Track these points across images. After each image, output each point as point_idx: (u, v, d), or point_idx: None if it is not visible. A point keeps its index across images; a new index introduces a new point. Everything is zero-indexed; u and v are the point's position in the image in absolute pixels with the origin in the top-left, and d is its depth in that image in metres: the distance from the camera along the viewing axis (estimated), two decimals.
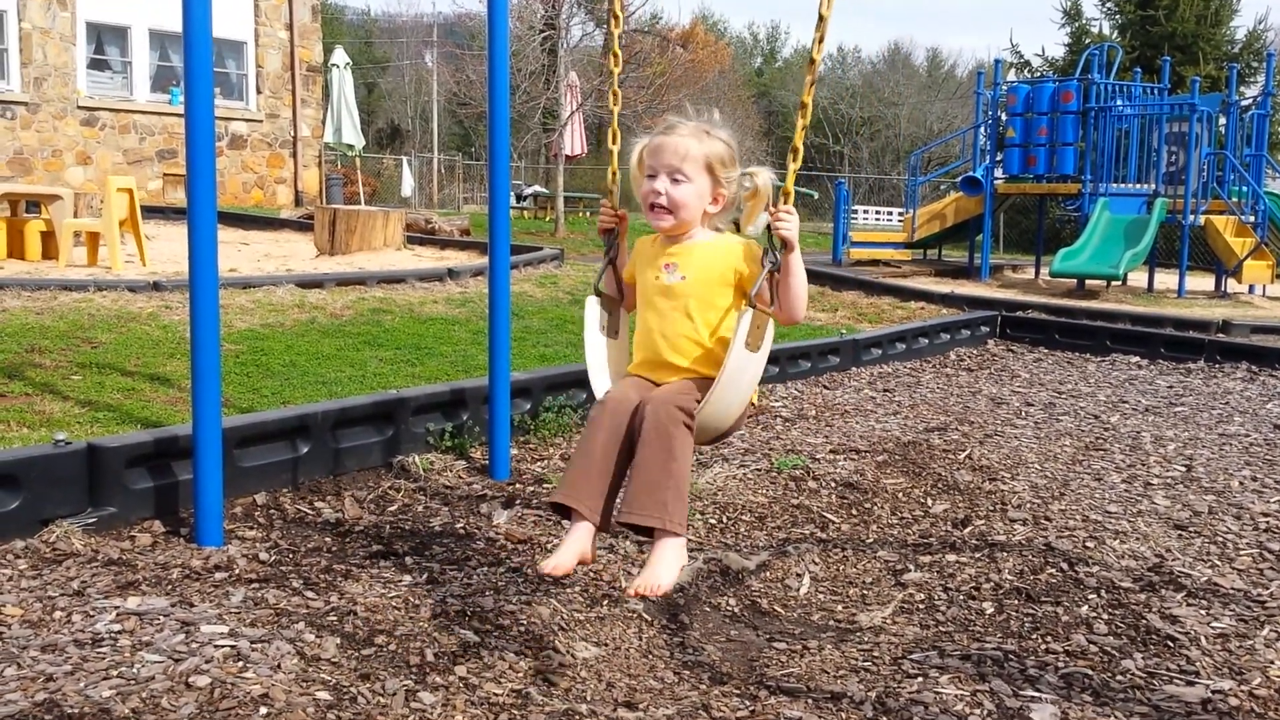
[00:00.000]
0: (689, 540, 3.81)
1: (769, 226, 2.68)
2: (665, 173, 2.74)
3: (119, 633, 2.71)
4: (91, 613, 2.84)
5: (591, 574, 3.44)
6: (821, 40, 2.69)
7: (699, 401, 2.67)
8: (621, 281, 3.03)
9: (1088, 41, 26.98)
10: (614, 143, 3.15)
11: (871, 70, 50.48)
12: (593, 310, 3.03)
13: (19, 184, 15.89)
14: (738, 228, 2.91)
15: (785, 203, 2.68)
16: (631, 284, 2.98)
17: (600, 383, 2.95)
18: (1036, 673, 2.82)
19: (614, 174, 3.11)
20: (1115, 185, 14.83)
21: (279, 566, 3.32)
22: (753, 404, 2.85)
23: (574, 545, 2.67)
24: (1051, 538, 3.92)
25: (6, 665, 2.50)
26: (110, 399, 4.99)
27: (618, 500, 2.72)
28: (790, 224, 2.65)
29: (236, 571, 3.24)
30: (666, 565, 2.63)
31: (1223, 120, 15.25)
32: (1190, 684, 2.77)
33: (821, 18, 2.67)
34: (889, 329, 8.30)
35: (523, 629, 2.98)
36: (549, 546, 3.64)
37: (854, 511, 4.23)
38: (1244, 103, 15.95)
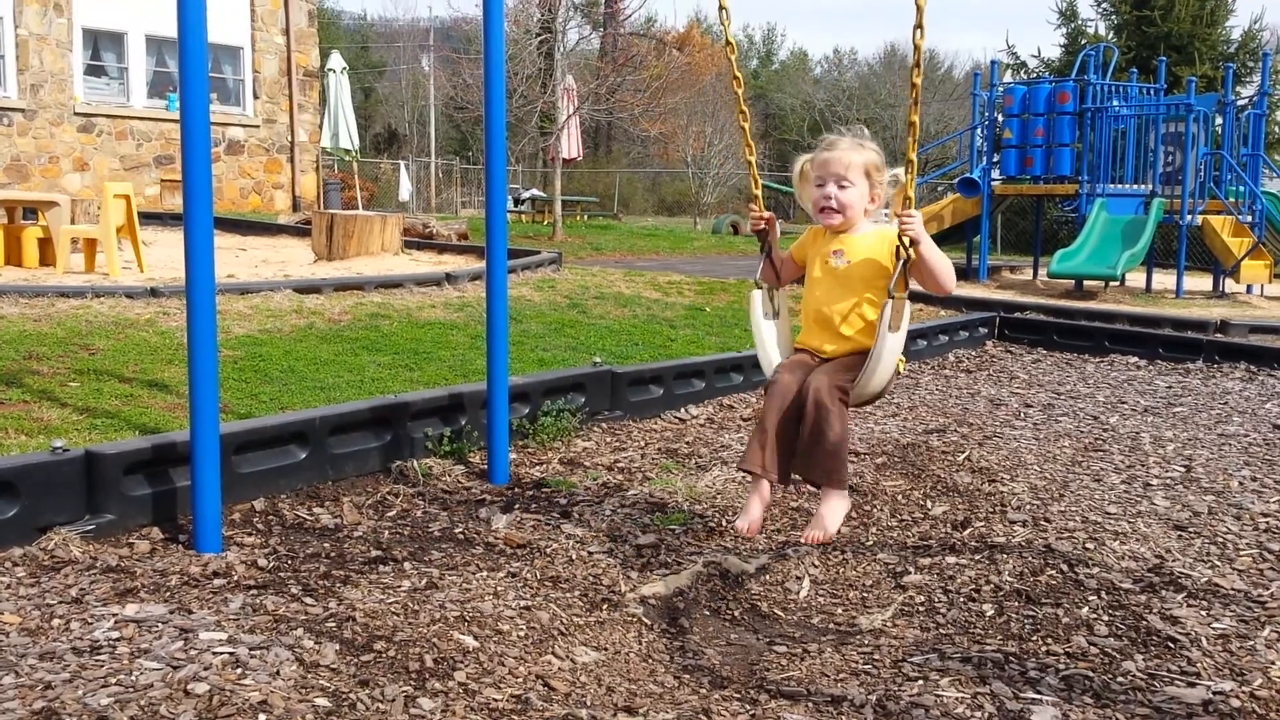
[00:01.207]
0: (689, 544, 3.81)
1: (900, 229, 3.20)
2: (833, 181, 3.32)
3: (117, 640, 2.71)
4: (90, 620, 2.83)
5: (591, 578, 3.43)
6: (919, 65, 3.17)
7: (852, 378, 3.24)
8: (776, 269, 3.57)
9: (1084, 42, 27.02)
10: (750, 154, 3.67)
11: (868, 72, 50.51)
12: (757, 300, 3.57)
13: (16, 191, 15.87)
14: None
15: (908, 208, 3.22)
16: (795, 264, 3.56)
17: (770, 360, 3.52)
18: (1037, 675, 2.82)
19: (755, 180, 3.66)
20: (1112, 186, 14.82)
21: (277, 573, 3.31)
22: (898, 372, 3.33)
23: (757, 502, 3.35)
24: (1051, 539, 3.91)
25: (5, 673, 2.49)
26: (108, 405, 4.99)
27: (793, 461, 3.30)
28: (914, 224, 3.21)
29: (235, 578, 3.24)
30: (832, 515, 3.25)
31: (1219, 120, 15.26)
32: (1191, 685, 2.77)
33: (916, 46, 3.15)
34: None
35: (522, 634, 2.98)
36: (548, 551, 3.63)
37: (853, 514, 4.22)
38: (1240, 102, 15.96)
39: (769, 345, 3.57)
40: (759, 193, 3.63)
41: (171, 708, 2.37)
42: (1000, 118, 15.86)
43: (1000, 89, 16.21)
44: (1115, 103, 15.11)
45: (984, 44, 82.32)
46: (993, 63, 17.11)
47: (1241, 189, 14.46)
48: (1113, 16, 28.98)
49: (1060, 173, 15.23)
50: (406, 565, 3.44)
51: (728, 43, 3.69)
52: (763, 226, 3.56)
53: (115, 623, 2.81)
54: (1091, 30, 29.43)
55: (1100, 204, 14.40)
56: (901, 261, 3.22)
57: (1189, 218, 13.81)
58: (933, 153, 31.36)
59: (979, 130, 16.37)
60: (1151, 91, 16.28)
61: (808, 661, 2.98)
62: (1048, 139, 15.12)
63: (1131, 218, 14.10)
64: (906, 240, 3.21)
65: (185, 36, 3.37)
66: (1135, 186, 14.78)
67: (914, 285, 3.33)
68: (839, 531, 3.45)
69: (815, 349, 3.42)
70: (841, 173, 3.32)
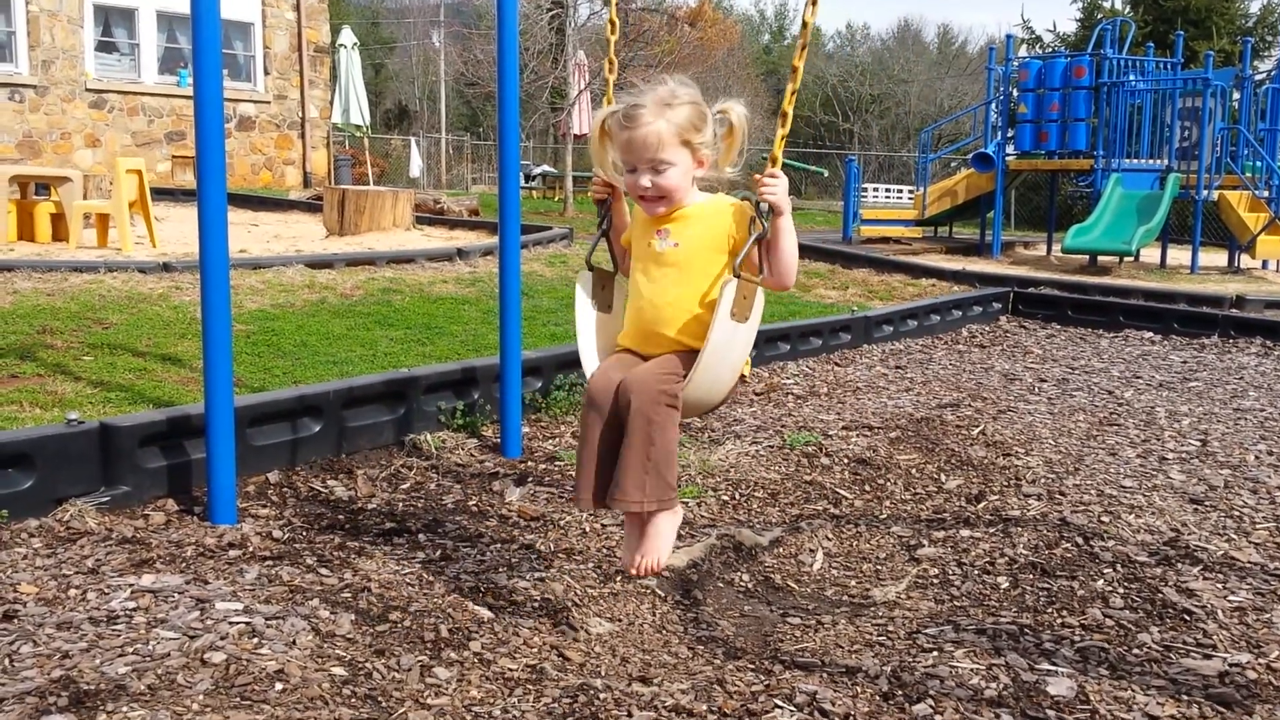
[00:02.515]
0: (702, 516, 3.81)
1: (756, 194, 2.61)
2: (645, 166, 2.66)
3: (134, 610, 2.72)
4: (106, 590, 2.84)
5: (605, 550, 3.43)
6: (814, 2, 2.70)
7: (682, 377, 2.63)
8: (616, 252, 2.98)
9: (1100, 16, 26.76)
10: (614, 122, 2.96)
11: (881, 47, 50.17)
12: (584, 284, 2.96)
13: (28, 166, 15.90)
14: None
15: (772, 167, 2.63)
16: (626, 252, 2.94)
17: (589, 360, 2.90)
18: (1052, 646, 2.81)
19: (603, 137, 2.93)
20: (1128, 161, 14.73)
21: (292, 544, 3.32)
22: (743, 377, 2.78)
23: (632, 532, 2.77)
24: (1066, 513, 3.90)
25: (23, 643, 2.50)
26: (122, 379, 5.00)
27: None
28: (777, 188, 2.59)
29: (250, 549, 3.25)
30: (664, 540, 2.70)
31: (1236, 95, 15.13)
32: (1207, 657, 2.76)
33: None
34: (900, 306, 8.26)
35: (537, 605, 2.98)
36: (562, 524, 3.64)
37: (867, 488, 4.22)
38: (1258, 77, 15.82)
39: (588, 342, 2.93)
40: (607, 156, 2.83)
41: (189, 676, 2.38)
42: (1015, 92, 15.75)
43: (1015, 63, 16.10)
44: (1131, 77, 15.00)
45: (999, 18, 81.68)
46: (1008, 37, 16.98)
47: (1258, 164, 14.35)
48: None
49: (1075, 148, 15.14)
50: (421, 537, 3.44)
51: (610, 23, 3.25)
52: (604, 196, 2.94)
53: (131, 593, 2.82)
54: (1108, 4, 29.16)
55: (1116, 179, 14.31)
56: (755, 235, 2.62)
57: (1205, 193, 13.71)
58: (947, 128, 31.17)
59: (994, 105, 16.27)
60: (1168, 66, 16.14)
61: (822, 633, 2.97)
62: (1063, 114, 15.03)
63: (1147, 193, 14.01)
64: (765, 207, 2.60)
65: (199, 12, 3.36)
66: (1151, 162, 14.68)
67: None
68: (667, 559, 2.77)
69: (638, 352, 2.78)
70: (653, 155, 2.64)
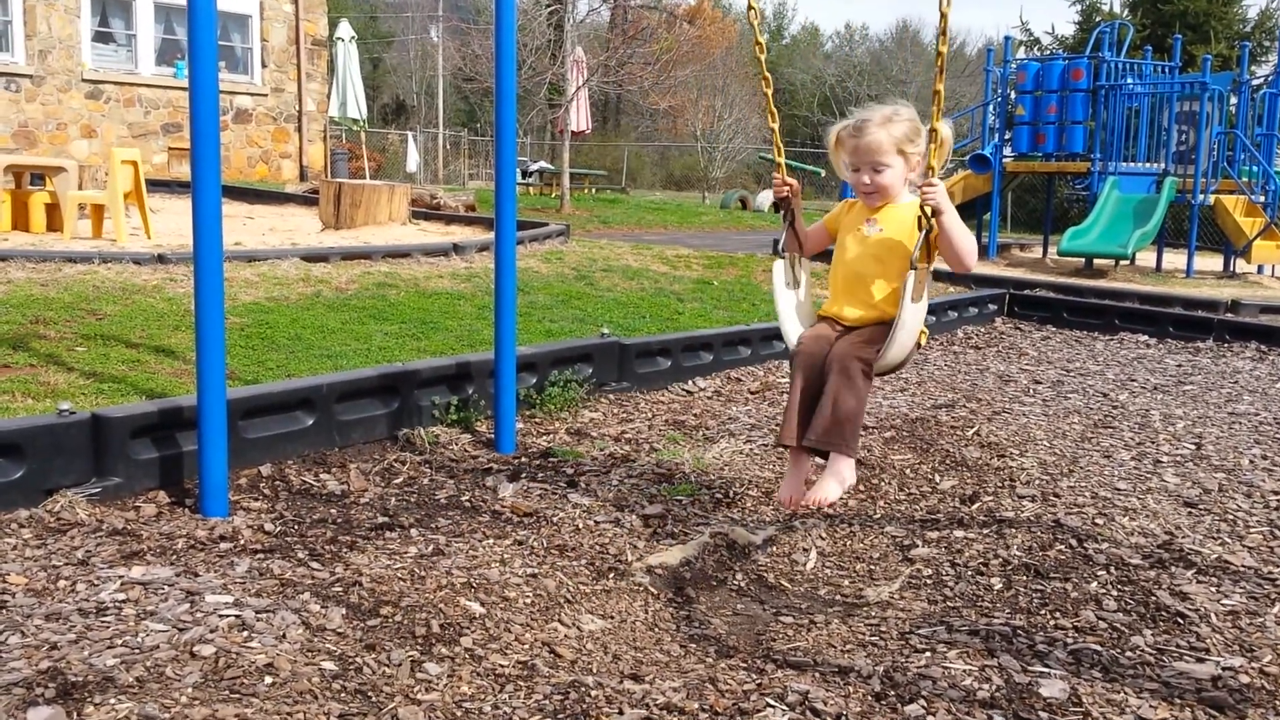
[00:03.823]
0: (696, 514, 3.80)
1: (921, 200, 3.12)
2: (867, 166, 3.28)
3: (123, 602, 2.70)
4: (96, 582, 2.83)
5: (598, 547, 3.42)
6: (945, 33, 3.10)
7: (875, 350, 3.20)
8: (800, 237, 3.54)
9: (1098, 19, 26.79)
10: (774, 121, 3.54)
11: (879, 48, 50.17)
12: (779, 270, 3.56)
13: (24, 156, 15.84)
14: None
15: (930, 177, 3.11)
16: (827, 233, 3.54)
17: (791, 330, 3.49)
18: (1045, 648, 2.81)
19: (779, 148, 3.54)
20: (1125, 164, 14.72)
21: (284, 537, 3.31)
22: (919, 344, 3.33)
23: (795, 474, 3.34)
24: (1060, 514, 3.90)
25: (10, 633, 2.49)
26: (115, 370, 4.98)
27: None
28: (935, 194, 3.09)
29: (241, 542, 3.23)
30: (837, 482, 3.20)
31: (1234, 99, 15.13)
32: (1200, 661, 2.75)
33: (943, 14, 3.08)
34: None
35: (529, 601, 2.97)
36: (555, 520, 3.62)
37: (861, 487, 4.21)
38: (1255, 82, 15.83)
39: (790, 316, 3.53)
40: (783, 161, 3.56)
41: (177, 669, 2.37)
42: (1013, 94, 15.75)
43: (1014, 65, 16.09)
44: (1129, 80, 15.00)
45: (997, 20, 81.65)
46: (1006, 38, 16.97)
47: (1255, 169, 14.36)
48: None
49: (1073, 150, 15.14)
50: (413, 532, 3.43)
51: (750, 7, 3.56)
52: (786, 194, 3.50)
53: (121, 585, 2.81)
54: (1107, 7, 29.20)
55: (1112, 182, 14.31)
56: (924, 232, 3.15)
57: (1201, 197, 13.72)
58: None
59: (991, 107, 16.26)
60: (1166, 69, 16.14)
61: (814, 632, 2.97)
62: (1061, 116, 15.02)
63: (1143, 196, 14.01)
64: (928, 210, 3.14)
65: (195, 3, 3.34)
66: (1148, 165, 14.68)
67: (939, 263, 3.28)
68: (840, 501, 3.41)
69: (838, 316, 3.39)
70: (876, 158, 3.27)
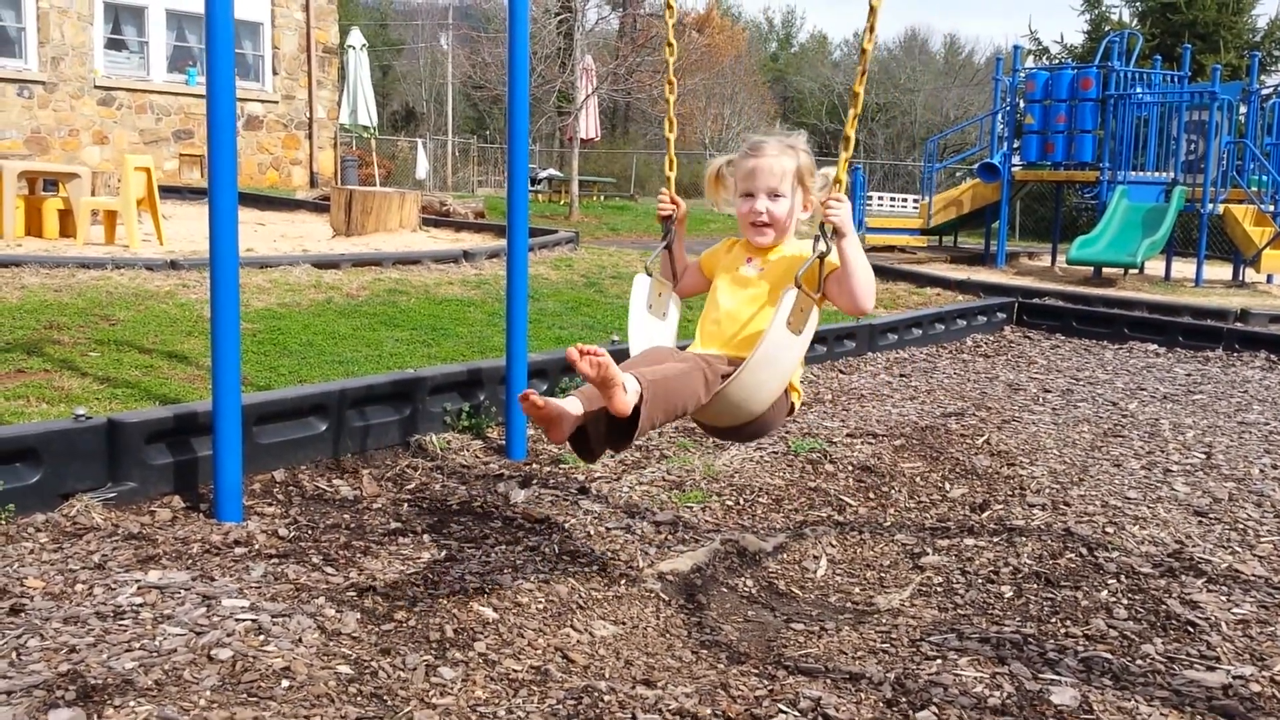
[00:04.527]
0: (706, 521, 3.81)
1: (821, 216, 2.73)
2: (764, 193, 2.87)
3: (140, 605, 2.73)
4: (113, 586, 2.85)
5: (609, 553, 3.44)
6: (872, 29, 2.79)
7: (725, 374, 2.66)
8: (675, 266, 3.12)
9: (1107, 28, 26.77)
10: (670, 131, 3.19)
11: (888, 56, 50.19)
12: (640, 288, 3.06)
13: (37, 162, 15.92)
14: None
15: (837, 190, 2.75)
16: (701, 275, 3.10)
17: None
18: (1056, 656, 2.82)
19: (671, 162, 3.19)
20: (1133, 173, 14.72)
21: (298, 542, 3.33)
22: (793, 402, 2.89)
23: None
24: (1070, 523, 3.90)
25: (30, 636, 2.51)
26: (128, 376, 5.01)
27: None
28: (841, 211, 2.70)
29: (256, 547, 3.25)
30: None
31: (1243, 109, 15.12)
32: (1211, 669, 2.76)
33: (872, 8, 2.78)
34: (905, 314, 8.27)
35: (541, 607, 2.99)
36: (567, 526, 3.64)
37: (871, 495, 4.22)
38: (1265, 91, 15.80)
39: (640, 344, 2.98)
40: (673, 175, 3.18)
41: (195, 672, 2.39)
42: (1022, 103, 15.76)
43: (1023, 74, 16.10)
44: (1138, 90, 15.00)
45: (1006, 29, 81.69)
46: (1015, 48, 16.99)
47: (1264, 178, 14.35)
48: (1137, 3, 28.70)
49: (1081, 159, 15.14)
50: (426, 538, 3.45)
51: (668, 6, 3.27)
52: (670, 213, 3.12)
53: (138, 589, 2.83)
54: (1116, 17, 29.16)
55: (1121, 191, 14.31)
56: (817, 252, 2.73)
57: (1210, 206, 13.71)
58: (952, 138, 31.18)
59: (1000, 115, 16.28)
60: (1175, 79, 16.14)
61: (825, 639, 2.98)
62: (1069, 125, 15.02)
63: (1152, 205, 14.00)
64: (829, 229, 2.72)
65: (212, 11, 3.37)
66: (1157, 174, 14.67)
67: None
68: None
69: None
70: (773, 184, 2.87)
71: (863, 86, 2.82)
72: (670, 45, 3.26)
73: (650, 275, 3.08)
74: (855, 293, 2.75)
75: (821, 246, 2.72)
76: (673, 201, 3.11)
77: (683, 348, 2.91)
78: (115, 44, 20.85)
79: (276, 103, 22.69)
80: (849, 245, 2.74)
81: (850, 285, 2.75)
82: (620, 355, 2.71)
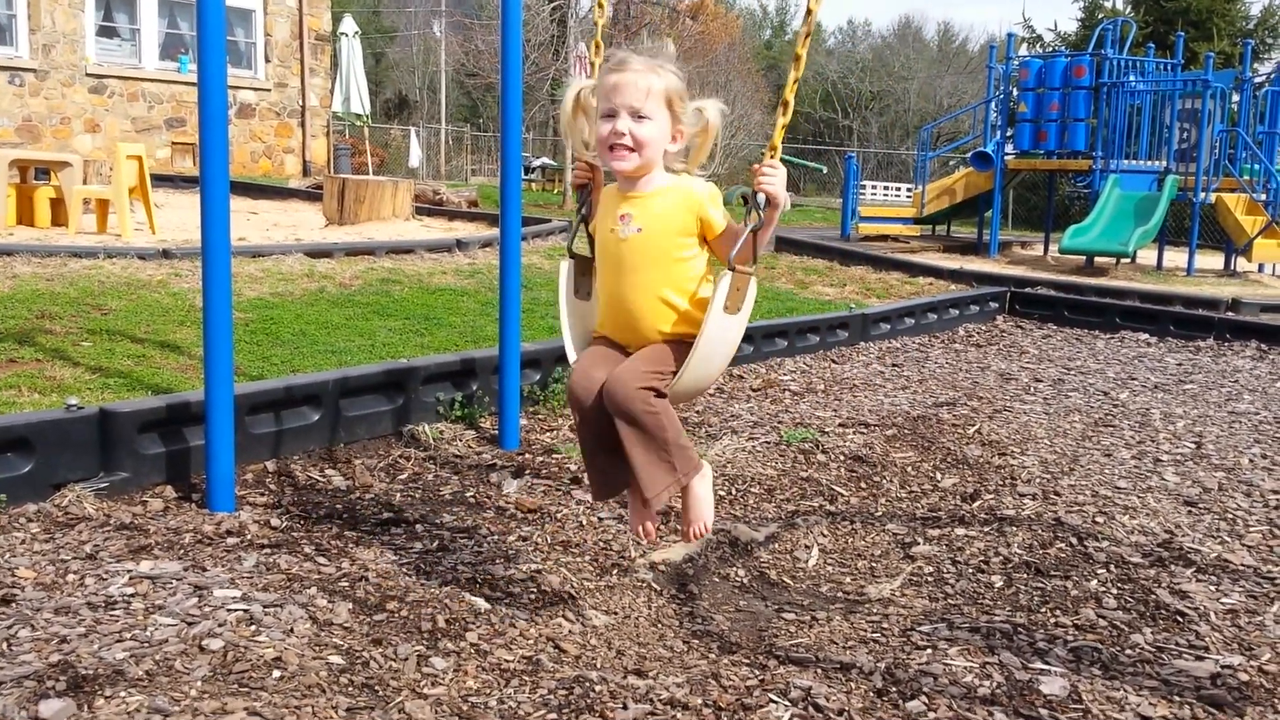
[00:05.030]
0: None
1: (754, 184, 2.56)
2: (627, 111, 2.56)
3: (132, 596, 2.73)
4: (104, 576, 2.85)
5: (601, 543, 3.45)
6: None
7: (668, 371, 2.60)
8: (593, 237, 2.86)
9: (1101, 16, 26.76)
10: (594, 94, 2.79)
11: (882, 44, 50.13)
12: (566, 272, 2.87)
13: (28, 150, 15.86)
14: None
15: (771, 157, 2.57)
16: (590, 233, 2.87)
17: (571, 349, 2.86)
18: (1046, 646, 2.83)
19: (584, 111, 2.82)
20: (1126, 162, 14.74)
21: (290, 532, 3.33)
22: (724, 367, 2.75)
23: (632, 508, 2.78)
24: (1061, 513, 3.92)
25: (21, 627, 2.51)
26: (120, 365, 5.00)
27: (640, 489, 2.67)
28: (775, 179, 2.54)
29: (248, 537, 3.26)
30: (700, 508, 2.74)
31: (1236, 97, 15.14)
32: (1199, 659, 2.78)
33: None
34: (898, 304, 8.28)
35: (533, 597, 3.00)
36: (559, 516, 3.65)
37: (863, 485, 4.23)
38: (1258, 79, 15.82)
39: (570, 331, 2.87)
40: (590, 140, 2.76)
41: (186, 663, 2.39)
42: (1015, 91, 15.75)
43: (1016, 62, 16.10)
44: (1131, 78, 15.00)
45: (1000, 17, 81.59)
46: (1009, 36, 16.97)
47: (1256, 167, 14.37)
48: None
49: (1074, 148, 15.15)
50: (418, 527, 3.46)
51: (599, 4, 3.17)
52: (585, 181, 2.85)
53: (129, 579, 2.83)
54: (1109, 4, 29.17)
55: (1114, 180, 14.32)
56: (750, 226, 2.54)
57: (1203, 195, 13.73)
58: (946, 126, 31.17)
59: (993, 104, 16.27)
60: (1168, 67, 16.14)
61: (816, 629, 2.99)
62: (1063, 114, 15.03)
63: (1145, 194, 14.02)
64: (762, 199, 2.54)
65: (204, 1, 3.36)
66: (1149, 163, 14.69)
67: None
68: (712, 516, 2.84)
69: (617, 342, 2.75)
70: (637, 103, 2.55)
71: (805, 49, 2.62)
72: (597, 44, 2.97)
73: (574, 256, 2.86)
74: (754, 256, 2.58)
75: (754, 218, 2.54)
76: (588, 167, 2.83)
77: None
78: (107, 31, 20.76)
79: (269, 90, 22.61)
80: (775, 215, 2.57)
81: (754, 252, 2.57)
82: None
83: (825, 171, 34.12)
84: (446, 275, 8.60)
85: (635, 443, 2.58)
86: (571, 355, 2.83)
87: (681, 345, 2.61)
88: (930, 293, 9.83)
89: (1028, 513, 3.93)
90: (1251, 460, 4.72)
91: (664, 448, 2.59)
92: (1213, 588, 3.26)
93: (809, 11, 2.63)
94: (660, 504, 2.70)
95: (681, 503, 2.75)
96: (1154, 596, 3.16)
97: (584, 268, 2.87)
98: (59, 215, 10.43)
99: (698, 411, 5.23)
